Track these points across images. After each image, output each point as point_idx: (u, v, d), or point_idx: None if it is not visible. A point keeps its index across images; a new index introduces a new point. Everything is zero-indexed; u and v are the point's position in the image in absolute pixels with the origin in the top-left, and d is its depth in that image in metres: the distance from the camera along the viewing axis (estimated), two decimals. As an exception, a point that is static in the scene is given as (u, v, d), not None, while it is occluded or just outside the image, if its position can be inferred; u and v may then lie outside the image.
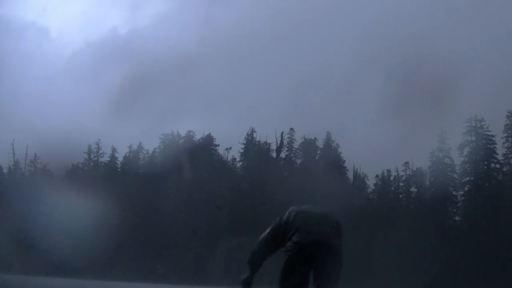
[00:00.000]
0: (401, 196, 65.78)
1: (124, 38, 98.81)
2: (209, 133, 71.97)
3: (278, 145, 71.10)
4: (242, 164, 71.78)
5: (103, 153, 75.31)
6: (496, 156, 61.37)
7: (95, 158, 75.61)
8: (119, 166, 74.60)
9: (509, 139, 61.32)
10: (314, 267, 5.86)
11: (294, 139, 70.94)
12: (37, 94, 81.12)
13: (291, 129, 71.13)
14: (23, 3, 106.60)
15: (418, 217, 58.05)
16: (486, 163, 60.63)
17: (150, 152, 73.43)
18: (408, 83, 74.80)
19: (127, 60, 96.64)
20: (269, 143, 71.22)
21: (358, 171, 69.14)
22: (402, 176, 66.09)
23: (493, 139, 61.58)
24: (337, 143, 69.98)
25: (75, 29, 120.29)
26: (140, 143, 73.56)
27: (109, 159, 75.12)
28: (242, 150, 71.69)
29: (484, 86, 71.53)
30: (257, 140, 71.89)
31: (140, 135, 74.05)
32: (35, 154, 74.57)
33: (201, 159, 68.07)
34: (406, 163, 65.84)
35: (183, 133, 72.61)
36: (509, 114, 61.41)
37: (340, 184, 61.80)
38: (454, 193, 62.43)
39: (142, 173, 70.80)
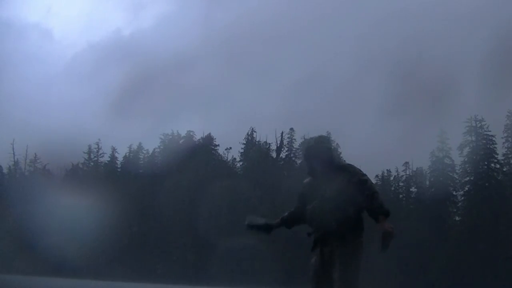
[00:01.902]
0: (401, 196, 65.69)
1: (126, 39, 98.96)
2: (209, 133, 71.96)
3: (278, 145, 71.07)
4: (242, 164, 71.71)
5: (103, 153, 75.35)
6: (496, 156, 61.36)
7: (95, 158, 75.61)
8: (119, 166, 74.56)
9: (509, 139, 61.28)
10: None
11: (294, 139, 70.86)
12: (38, 94, 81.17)
13: (291, 129, 71.07)
14: (27, 5, 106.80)
15: (418, 217, 58.00)
16: (486, 163, 60.61)
17: (150, 152, 73.41)
18: (408, 83, 74.82)
19: (128, 61, 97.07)
20: (269, 143, 71.19)
21: (358, 171, 69.07)
22: (402, 176, 66.06)
23: (493, 139, 61.56)
24: (337, 143, 69.80)
25: (78, 30, 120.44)
26: (140, 143, 73.53)
27: (109, 159, 75.10)
28: (242, 150, 71.65)
29: (484, 86, 71.49)
30: (257, 140, 71.85)
31: (140, 135, 74.08)
32: (35, 154, 74.57)
33: (201, 159, 68.04)
34: (406, 163, 65.84)
35: (183, 133, 72.61)
36: (509, 114, 61.37)
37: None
38: (454, 193, 62.40)
39: (142, 173, 70.73)
